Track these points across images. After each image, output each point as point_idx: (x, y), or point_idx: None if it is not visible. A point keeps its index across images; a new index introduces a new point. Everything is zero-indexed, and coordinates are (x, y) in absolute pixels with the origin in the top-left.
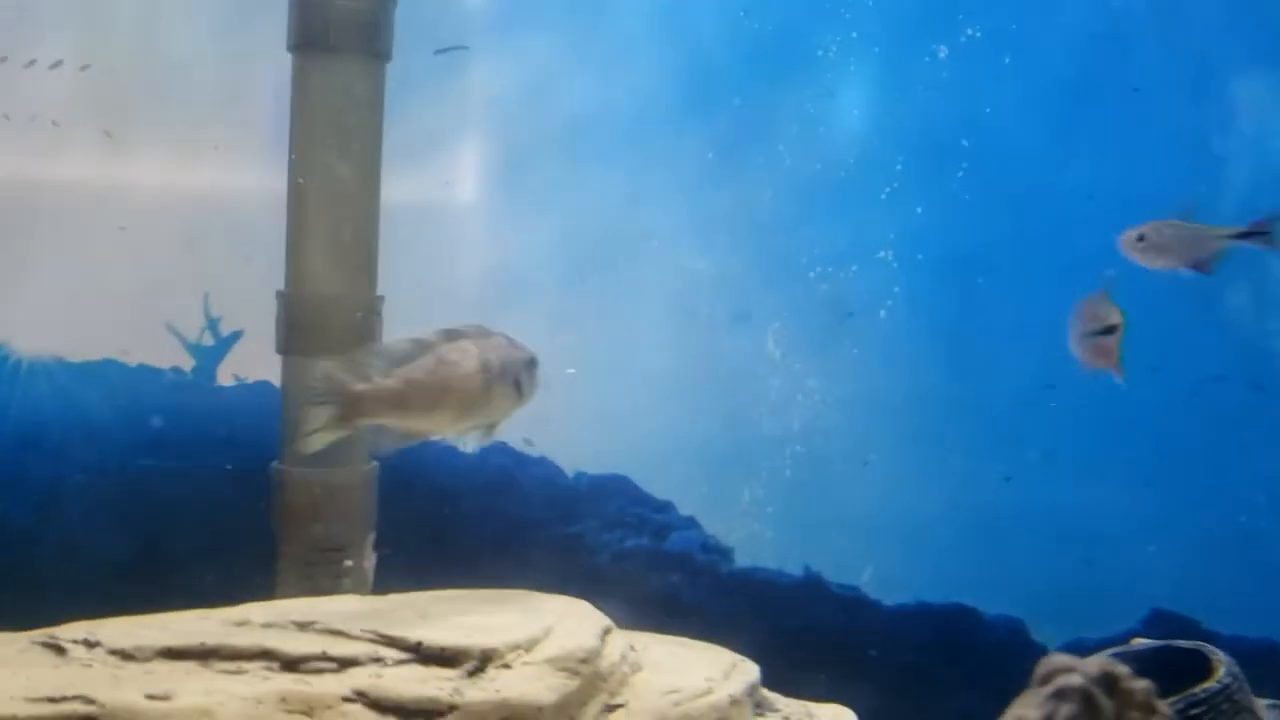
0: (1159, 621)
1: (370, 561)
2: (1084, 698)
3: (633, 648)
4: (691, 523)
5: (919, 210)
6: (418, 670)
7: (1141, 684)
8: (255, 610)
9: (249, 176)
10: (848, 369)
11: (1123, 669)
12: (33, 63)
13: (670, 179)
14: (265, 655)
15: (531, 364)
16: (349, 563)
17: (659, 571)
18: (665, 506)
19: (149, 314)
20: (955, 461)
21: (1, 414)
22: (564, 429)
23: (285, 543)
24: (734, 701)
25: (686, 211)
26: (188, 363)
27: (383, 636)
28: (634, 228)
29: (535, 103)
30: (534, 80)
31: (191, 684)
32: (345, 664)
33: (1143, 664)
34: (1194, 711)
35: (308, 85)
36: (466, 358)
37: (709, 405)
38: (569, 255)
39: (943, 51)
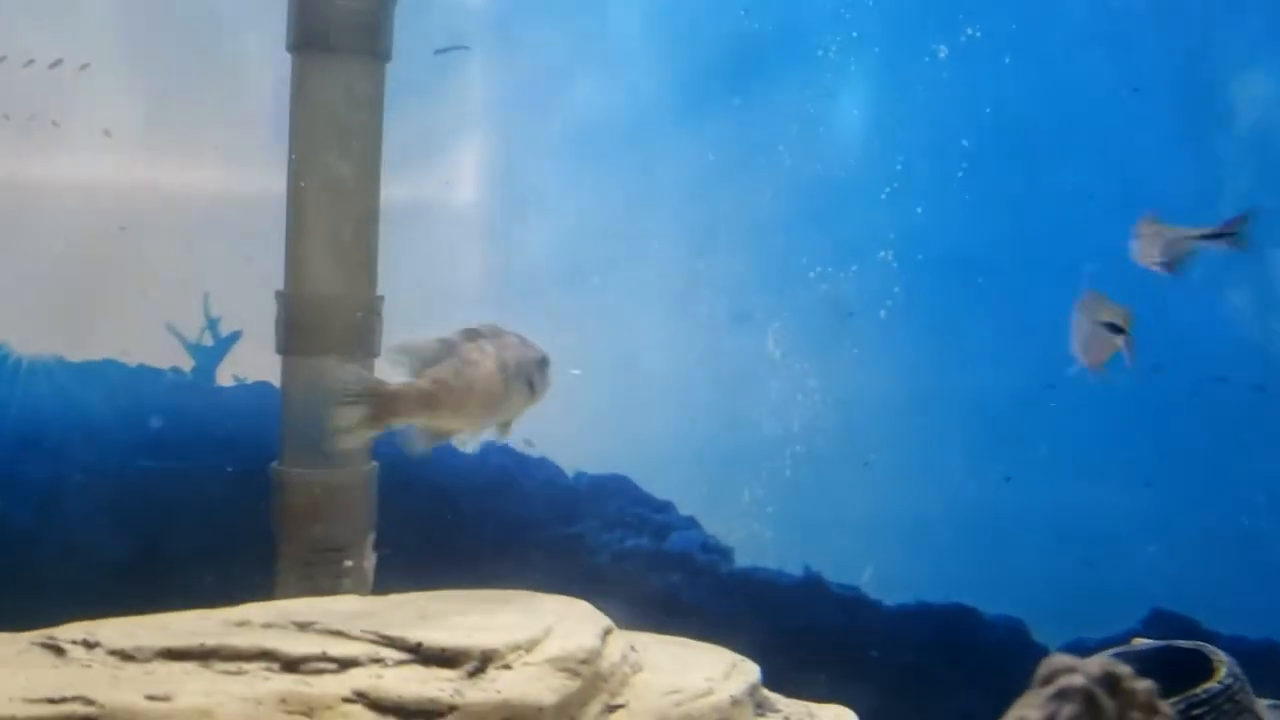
0: (1159, 622)
1: (370, 562)
2: (1086, 698)
3: (633, 648)
4: (692, 523)
5: (919, 210)
6: (418, 671)
7: (1144, 684)
8: (255, 611)
9: (249, 176)
10: (848, 369)
11: (1125, 669)
12: (32, 62)
13: (670, 179)
14: (265, 656)
15: (544, 363)
16: (349, 563)
17: (659, 572)
18: (665, 506)
19: (149, 314)
20: (955, 461)
21: (1, 414)
22: (564, 429)
23: (285, 543)
24: (735, 702)
25: (687, 212)
26: (187, 363)
27: (383, 637)
28: (634, 228)
29: (535, 103)
30: (534, 80)
31: (191, 685)
32: (345, 664)
33: (1144, 664)
34: (1196, 712)
35: (308, 85)
36: (486, 358)
37: (709, 405)
38: (569, 255)
39: (943, 51)
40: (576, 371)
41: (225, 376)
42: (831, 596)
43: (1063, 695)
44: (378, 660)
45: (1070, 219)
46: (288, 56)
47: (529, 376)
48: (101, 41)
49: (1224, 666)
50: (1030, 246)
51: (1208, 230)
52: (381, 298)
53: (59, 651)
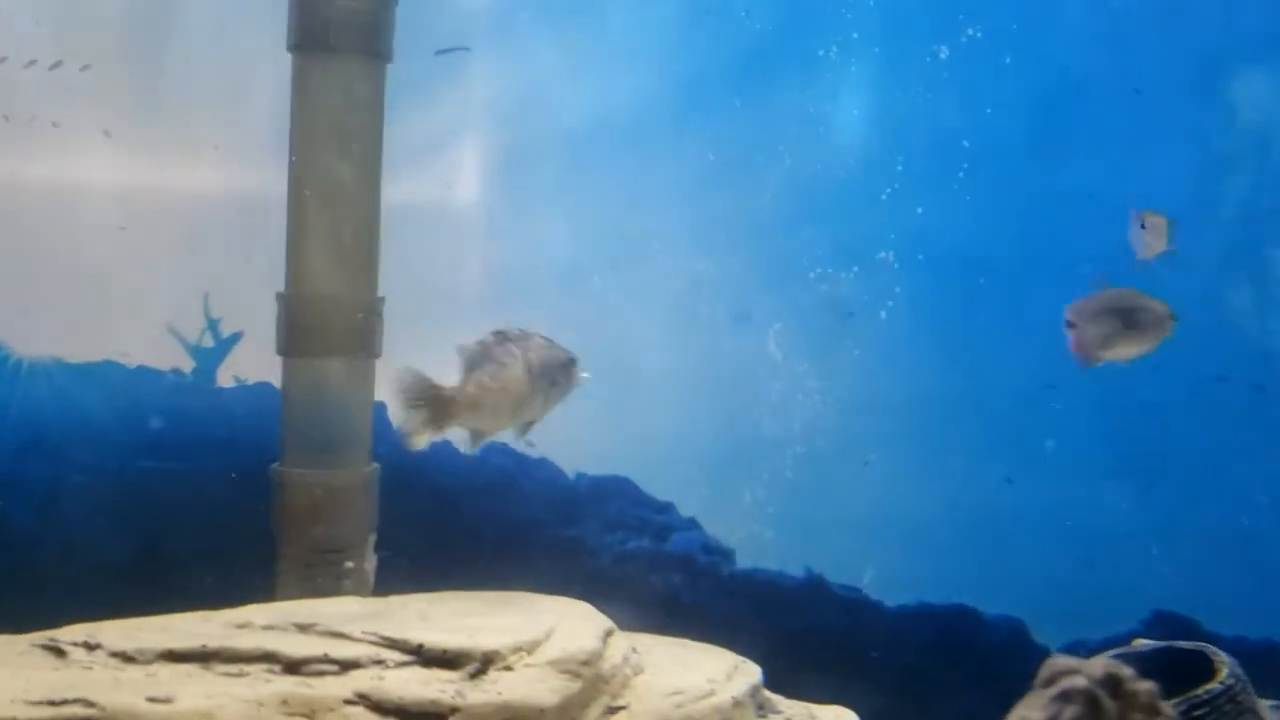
0: (1160, 622)
1: (371, 563)
2: (1088, 699)
3: (634, 649)
4: (693, 524)
5: (919, 210)
6: (419, 672)
7: (1145, 685)
8: (256, 612)
9: (249, 176)
10: (848, 370)
11: (1127, 671)
12: (33, 63)
13: (671, 179)
14: (267, 657)
15: (569, 364)
16: (349, 564)
17: (660, 573)
18: (666, 508)
19: (149, 315)
20: (956, 462)
21: (1, 415)
22: (564, 430)
23: (285, 544)
24: (736, 703)
25: (687, 212)
26: (188, 364)
27: (384, 638)
28: (634, 228)
29: (536, 103)
30: (535, 81)
31: (193, 686)
32: (347, 666)
33: (1145, 665)
34: (1197, 713)
35: (308, 85)
36: (515, 360)
37: (710, 406)
38: (569, 256)
39: (943, 51)
40: (586, 375)
41: (226, 378)
42: (833, 597)
43: (1065, 697)
44: (379, 662)
45: (1070, 219)
46: (288, 56)
47: (554, 378)
48: (102, 42)
49: (1225, 667)
50: (1031, 246)
51: None
52: (382, 299)
53: (60, 653)
